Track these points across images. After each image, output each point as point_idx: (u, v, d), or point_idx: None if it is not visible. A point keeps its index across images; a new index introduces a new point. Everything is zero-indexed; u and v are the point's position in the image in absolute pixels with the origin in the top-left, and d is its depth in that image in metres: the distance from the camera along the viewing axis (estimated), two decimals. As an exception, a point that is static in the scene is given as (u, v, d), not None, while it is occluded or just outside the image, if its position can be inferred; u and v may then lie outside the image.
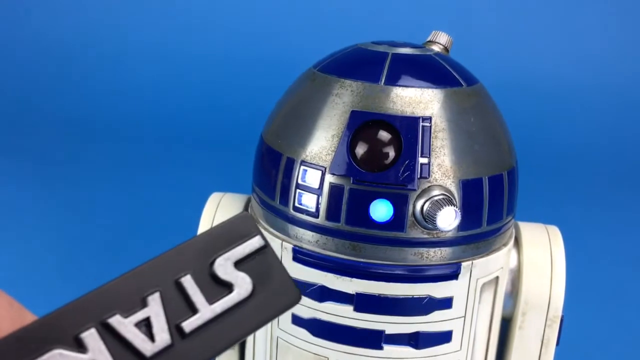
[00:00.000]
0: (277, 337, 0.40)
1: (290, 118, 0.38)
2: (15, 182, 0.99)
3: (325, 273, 0.36)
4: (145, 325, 0.19)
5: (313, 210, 0.36)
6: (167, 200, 0.93)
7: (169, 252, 0.20)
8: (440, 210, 0.33)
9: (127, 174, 1.03)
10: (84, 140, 1.18)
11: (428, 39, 0.43)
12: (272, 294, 0.20)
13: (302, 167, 0.36)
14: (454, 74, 0.38)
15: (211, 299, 0.19)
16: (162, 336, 0.19)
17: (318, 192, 0.35)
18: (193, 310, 0.19)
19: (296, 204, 0.36)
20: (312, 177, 0.36)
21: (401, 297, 0.36)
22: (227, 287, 0.20)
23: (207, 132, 1.20)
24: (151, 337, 0.18)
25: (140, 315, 0.19)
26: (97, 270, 0.74)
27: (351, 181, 0.34)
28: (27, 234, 0.82)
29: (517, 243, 0.42)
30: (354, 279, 0.36)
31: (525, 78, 1.26)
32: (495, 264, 0.38)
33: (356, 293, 0.36)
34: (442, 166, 0.35)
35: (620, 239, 0.89)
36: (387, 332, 0.37)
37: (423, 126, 0.35)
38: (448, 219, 0.33)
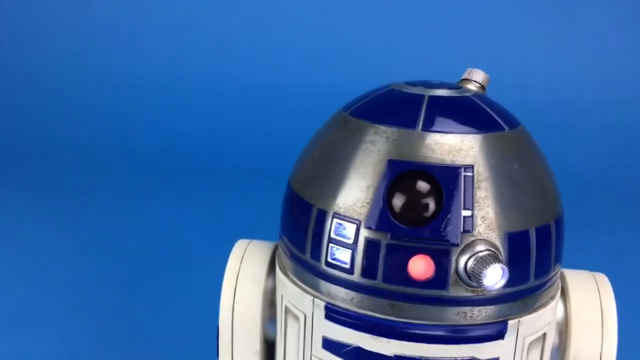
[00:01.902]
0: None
1: (320, 165, 0.36)
2: (26, 213, 0.97)
3: (361, 333, 0.34)
4: None
5: (347, 266, 0.33)
6: (185, 236, 0.91)
7: None
8: (487, 268, 0.30)
9: (139, 205, 1.01)
10: (100, 171, 1.16)
11: (463, 77, 0.41)
12: None
13: (336, 220, 0.34)
14: (495, 117, 0.36)
15: None
16: None
17: (353, 247, 0.33)
18: None
19: (329, 259, 0.34)
20: (346, 231, 0.33)
21: (443, 359, 0.33)
22: None
23: (228, 163, 1.18)
24: None
25: None
26: (111, 309, 0.72)
27: (389, 236, 0.32)
28: (42, 266, 0.81)
29: (564, 293, 0.39)
30: (392, 340, 0.33)
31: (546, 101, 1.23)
32: (543, 319, 0.36)
33: (395, 355, 0.33)
34: (486, 218, 0.32)
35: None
36: (428, 397, 0.34)
37: (465, 176, 0.32)
38: (495, 277, 0.31)
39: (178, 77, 1.31)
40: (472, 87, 0.40)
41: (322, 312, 0.35)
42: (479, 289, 0.32)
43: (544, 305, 0.35)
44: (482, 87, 0.40)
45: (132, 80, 1.32)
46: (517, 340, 0.34)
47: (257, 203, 0.99)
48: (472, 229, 0.32)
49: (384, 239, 0.32)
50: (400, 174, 0.32)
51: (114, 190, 1.08)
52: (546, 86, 1.20)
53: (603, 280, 0.40)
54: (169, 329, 0.68)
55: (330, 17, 1.29)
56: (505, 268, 0.30)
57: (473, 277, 0.31)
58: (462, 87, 0.38)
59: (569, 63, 1.22)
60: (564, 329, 0.38)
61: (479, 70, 0.40)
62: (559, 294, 0.38)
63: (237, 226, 0.92)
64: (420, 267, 0.32)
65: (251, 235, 0.46)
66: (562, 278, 0.40)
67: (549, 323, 0.36)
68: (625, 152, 1.14)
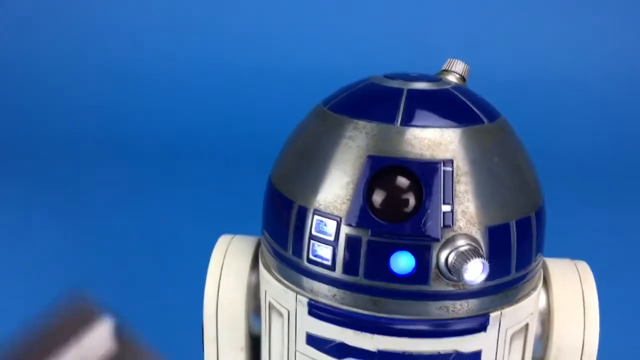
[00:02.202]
0: (295, 395, 0.37)
1: (300, 161, 0.36)
2: (18, 208, 0.97)
3: (344, 329, 0.34)
4: None
5: (329, 262, 0.33)
6: (169, 229, 0.91)
7: None
8: (467, 262, 0.30)
9: (127, 199, 1.01)
10: (93, 164, 1.15)
11: (443, 68, 0.41)
12: None
13: (316, 217, 0.33)
14: (474, 109, 0.35)
15: None
16: None
17: (334, 243, 0.33)
18: None
19: (310, 256, 0.34)
20: (327, 228, 0.33)
21: (426, 353, 0.33)
22: None
23: (215, 154, 1.17)
24: None
25: None
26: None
27: (369, 233, 0.32)
28: (38, 260, 0.80)
29: (546, 282, 0.39)
30: (375, 336, 0.33)
31: (534, 81, 1.23)
32: (525, 311, 0.36)
33: (378, 350, 0.33)
34: (466, 213, 0.32)
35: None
36: (412, 391, 0.34)
37: (444, 170, 0.32)
38: (475, 272, 0.31)
39: (160, 71, 1.30)
40: (452, 78, 0.39)
41: (305, 309, 0.35)
42: (460, 283, 0.32)
43: (526, 296, 0.36)
44: (463, 78, 0.40)
45: (118, 75, 1.31)
46: (500, 332, 0.34)
47: (241, 196, 0.99)
48: (453, 223, 0.32)
49: (365, 236, 0.32)
50: (380, 170, 0.32)
51: (102, 184, 1.07)
52: (526, 68, 1.20)
53: (584, 268, 0.40)
54: (155, 324, 0.68)
55: (320, 7, 1.28)
56: (486, 262, 0.31)
57: (454, 271, 0.31)
58: (441, 80, 0.38)
59: (551, 44, 1.22)
60: (546, 319, 0.39)
61: (459, 61, 0.40)
62: (540, 284, 0.38)
63: (221, 219, 0.92)
64: (401, 262, 0.32)
65: (236, 228, 0.46)
66: (544, 267, 0.40)
67: (531, 313, 0.37)
68: (608, 134, 1.15)
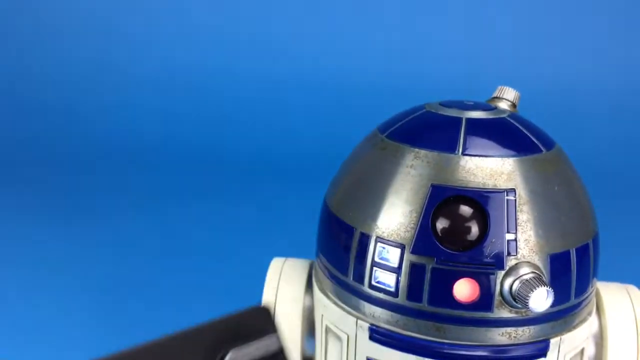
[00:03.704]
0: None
1: (360, 188, 0.37)
2: (22, 214, 0.97)
3: (406, 354, 0.34)
4: None
5: (392, 289, 0.34)
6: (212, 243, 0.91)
7: (175, 335, 0.18)
8: (533, 291, 0.31)
9: (157, 209, 1.01)
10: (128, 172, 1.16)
11: (494, 95, 0.41)
12: None
13: (380, 244, 0.34)
14: (532, 138, 0.36)
15: None
16: None
17: (397, 270, 0.34)
18: None
19: (373, 282, 0.35)
20: (390, 255, 0.34)
21: (488, 378, 0.34)
22: None
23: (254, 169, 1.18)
24: None
25: None
26: (128, 317, 0.72)
27: (434, 261, 0.32)
28: (54, 273, 0.81)
29: (598, 307, 0.40)
30: None
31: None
32: (581, 336, 0.36)
33: None
34: (529, 241, 0.33)
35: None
36: (473, 415, 0.35)
37: (508, 200, 0.33)
38: (540, 300, 0.31)
39: (179, 79, 1.31)
40: (504, 105, 0.40)
41: (366, 334, 0.35)
42: (522, 310, 0.33)
43: (583, 321, 0.36)
44: (514, 105, 0.41)
45: (139, 83, 1.32)
46: (559, 358, 0.35)
47: (272, 207, 0.99)
48: (516, 252, 0.32)
49: (429, 263, 0.33)
50: (444, 199, 0.33)
51: (122, 194, 1.08)
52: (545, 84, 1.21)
53: (635, 291, 0.41)
54: None
55: (330, 14, 1.29)
56: (551, 290, 0.31)
57: (519, 299, 0.32)
58: (496, 108, 0.39)
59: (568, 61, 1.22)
60: (599, 342, 0.39)
61: (510, 89, 0.41)
62: (594, 308, 0.38)
63: (248, 230, 0.92)
64: (465, 290, 0.32)
65: (266, 242, 0.46)
66: (596, 291, 0.40)
67: (587, 338, 0.37)
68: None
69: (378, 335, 0.35)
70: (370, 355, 0.36)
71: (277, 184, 1.09)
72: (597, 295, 0.40)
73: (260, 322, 0.19)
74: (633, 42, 1.24)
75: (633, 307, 0.40)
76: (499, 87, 0.41)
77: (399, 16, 1.27)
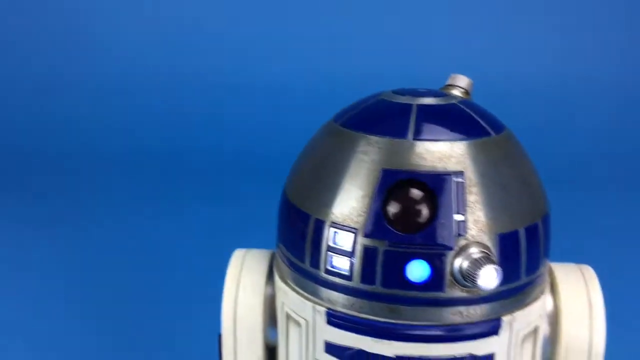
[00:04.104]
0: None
1: (315, 176, 0.37)
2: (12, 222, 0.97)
3: (362, 336, 0.35)
4: None
5: (347, 273, 0.35)
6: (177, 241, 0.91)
7: None
8: (481, 269, 0.32)
9: (127, 214, 1.02)
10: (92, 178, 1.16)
11: (447, 83, 0.42)
12: None
13: (333, 230, 0.35)
14: (482, 122, 0.37)
15: None
16: None
17: (351, 254, 0.34)
18: None
19: (328, 267, 0.35)
20: (344, 240, 0.34)
21: (442, 357, 0.35)
22: None
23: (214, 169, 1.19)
24: None
25: None
26: (109, 321, 0.72)
27: (386, 243, 0.33)
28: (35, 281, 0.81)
29: (552, 287, 0.41)
30: (393, 342, 0.35)
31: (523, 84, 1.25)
32: (534, 314, 0.37)
33: (396, 356, 0.35)
34: (478, 222, 0.34)
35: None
36: (430, 394, 0.35)
37: (456, 182, 0.34)
38: (489, 278, 0.32)
39: (168, 82, 1.31)
40: (457, 92, 0.41)
41: (324, 318, 0.36)
42: (474, 289, 0.33)
43: (535, 299, 0.37)
44: (467, 92, 0.42)
45: (122, 87, 1.32)
46: (512, 335, 0.36)
47: (247, 208, 1.00)
48: (465, 232, 0.33)
49: (381, 246, 0.33)
50: (395, 183, 0.33)
51: (103, 200, 1.08)
52: (526, 77, 1.23)
53: (589, 272, 0.42)
54: (167, 339, 0.69)
55: (315, 17, 1.30)
56: (499, 268, 0.32)
57: (468, 278, 0.32)
58: (447, 94, 0.40)
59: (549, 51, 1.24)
60: (554, 321, 0.40)
61: (462, 76, 0.42)
62: (548, 288, 0.39)
63: (226, 233, 0.93)
64: (417, 271, 0.33)
65: (240, 240, 0.47)
66: (550, 272, 0.41)
67: (540, 316, 0.38)
68: (607, 139, 1.17)
69: (335, 319, 0.36)
70: (329, 339, 0.36)
71: (256, 185, 1.09)
72: (552, 275, 0.41)
73: None
74: (593, 30, 1.26)
75: (586, 286, 0.41)
76: (452, 75, 0.42)
77: (366, 15, 1.28)
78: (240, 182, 1.12)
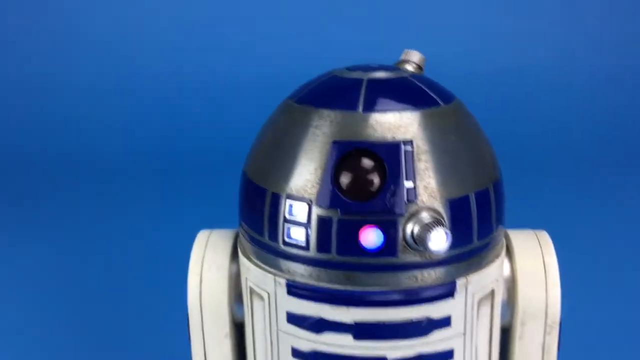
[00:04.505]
0: (279, 374, 0.39)
1: (271, 153, 0.38)
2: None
3: (321, 305, 0.36)
4: None
5: (303, 243, 0.35)
6: (148, 235, 0.92)
7: None
8: (430, 232, 0.33)
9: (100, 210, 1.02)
10: (60, 178, 1.16)
11: (401, 59, 0.43)
12: None
13: (288, 202, 0.36)
14: (431, 93, 0.38)
15: None
16: None
17: (306, 225, 0.35)
18: None
19: (285, 239, 0.36)
20: (299, 211, 0.35)
21: (400, 321, 0.36)
22: None
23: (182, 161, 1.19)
24: None
25: None
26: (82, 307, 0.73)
27: (339, 212, 0.34)
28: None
29: (509, 252, 0.42)
30: (351, 308, 0.36)
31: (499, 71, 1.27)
32: (489, 277, 0.38)
33: (354, 322, 0.36)
34: (428, 188, 0.35)
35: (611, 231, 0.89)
36: (389, 358, 0.36)
37: (405, 150, 0.35)
38: (439, 241, 0.33)
39: (168, 83, 1.31)
40: (409, 67, 0.42)
41: (284, 289, 0.37)
42: (426, 254, 0.35)
43: (490, 263, 0.38)
44: (419, 67, 0.43)
45: (122, 87, 1.32)
46: (467, 298, 0.37)
47: (211, 195, 1.00)
48: (415, 198, 0.34)
49: (335, 215, 0.34)
50: (345, 154, 0.34)
51: (71, 194, 1.08)
52: (487, 52, 1.24)
53: (544, 236, 0.43)
54: (167, 339, 0.70)
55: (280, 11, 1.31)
56: (449, 232, 0.33)
57: (419, 242, 0.33)
58: (399, 69, 0.41)
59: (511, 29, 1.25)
60: (511, 285, 0.41)
61: (415, 52, 0.43)
62: (503, 253, 0.40)
63: (194, 219, 0.93)
64: (370, 238, 0.34)
65: (210, 225, 0.48)
66: (507, 238, 0.43)
67: (496, 280, 0.39)
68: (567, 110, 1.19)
69: (295, 289, 0.37)
70: (290, 310, 0.37)
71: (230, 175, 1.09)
72: (508, 240, 0.42)
73: None
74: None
75: (541, 251, 0.42)
76: (405, 50, 0.43)
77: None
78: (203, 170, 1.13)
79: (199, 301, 0.42)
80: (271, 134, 0.39)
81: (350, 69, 0.40)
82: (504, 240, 0.41)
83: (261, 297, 0.39)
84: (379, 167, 0.34)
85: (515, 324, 0.41)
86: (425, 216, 0.34)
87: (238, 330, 0.43)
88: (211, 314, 0.42)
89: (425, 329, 0.36)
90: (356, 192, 0.34)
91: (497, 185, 0.38)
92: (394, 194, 0.34)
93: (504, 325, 0.42)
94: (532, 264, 0.41)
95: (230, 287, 0.42)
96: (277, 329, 0.38)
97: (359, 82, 0.38)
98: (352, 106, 0.36)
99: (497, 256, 0.39)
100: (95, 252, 0.89)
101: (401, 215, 0.34)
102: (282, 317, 0.38)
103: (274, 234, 0.37)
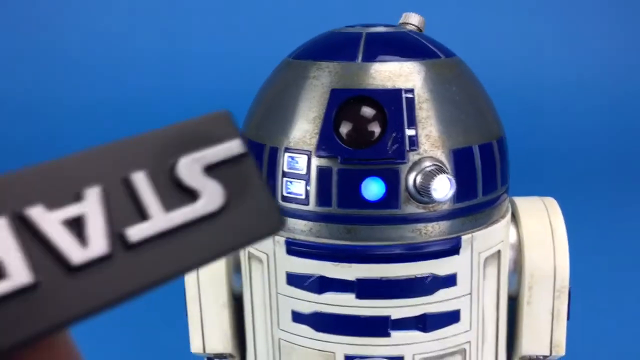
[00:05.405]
0: (279, 338, 0.38)
1: (269, 108, 0.37)
2: None
3: (322, 262, 0.35)
4: (77, 226, 0.14)
5: (302, 197, 0.34)
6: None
7: (123, 141, 0.15)
8: (434, 180, 0.32)
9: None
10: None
11: (400, 22, 0.42)
12: (248, 213, 0.16)
13: (287, 155, 0.35)
14: (431, 47, 0.37)
15: (169, 206, 0.15)
16: (98, 242, 0.14)
17: (306, 177, 0.34)
18: (143, 216, 0.15)
19: (284, 193, 0.35)
20: (298, 163, 0.34)
21: (404, 278, 0.34)
22: (191, 195, 0.16)
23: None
24: (83, 241, 0.14)
25: (71, 210, 0.14)
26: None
27: (339, 161, 0.33)
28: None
29: (515, 218, 0.41)
30: (353, 264, 0.34)
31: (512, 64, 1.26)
32: (495, 236, 0.37)
33: (357, 279, 0.34)
34: (430, 137, 0.34)
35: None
36: (393, 318, 0.35)
37: (406, 97, 0.34)
38: (443, 189, 0.32)
39: (168, 83, 1.31)
40: (410, 28, 0.41)
41: (284, 248, 0.36)
42: (430, 205, 0.33)
43: (495, 222, 0.37)
44: (419, 29, 0.42)
45: (123, 86, 1.32)
46: (473, 256, 0.36)
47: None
48: (417, 146, 0.33)
49: (335, 165, 0.33)
50: (345, 102, 0.33)
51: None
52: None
53: (552, 202, 0.42)
54: (168, 339, 0.68)
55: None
56: (452, 178, 0.32)
57: (423, 191, 0.32)
58: (399, 26, 0.40)
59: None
60: (518, 251, 0.40)
61: (415, 14, 0.42)
62: (509, 215, 0.39)
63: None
64: (372, 188, 0.33)
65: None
66: (513, 204, 0.41)
67: (502, 241, 0.38)
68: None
69: (294, 246, 0.35)
70: (290, 270, 0.36)
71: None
72: (514, 206, 0.41)
73: (220, 127, 0.16)
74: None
75: (548, 213, 0.41)
76: (404, 13, 0.42)
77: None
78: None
79: (196, 271, 0.40)
80: (269, 92, 0.38)
81: (350, 26, 0.39)
82: (509, 205, 0.40)
83: (260, 260, 0.38)
84: (380, 115, 0.33)
85: (523, 289, 0.39)
86: (428, 164, 0.33)
87: (237, 302, 0.42)
88: (209, 282, 0.40)
89: (430, 286, 0.35)
90: (356, 139, 0.33)
91: (502, 143, 0.37)
92: (395, 141, 0.33)
93: (512, 295, 0.40)
94: (538, 226, 0.40)
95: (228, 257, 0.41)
96: (277, 292, 0.37)
97: (358, 35, 0.37)
98: (352, 57, 0.35)
99: (503, 216, 0.38)
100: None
101: (403, 163, 0.33)
102: (282, 279, 0.36)
103: (272, 190, 0.35)
